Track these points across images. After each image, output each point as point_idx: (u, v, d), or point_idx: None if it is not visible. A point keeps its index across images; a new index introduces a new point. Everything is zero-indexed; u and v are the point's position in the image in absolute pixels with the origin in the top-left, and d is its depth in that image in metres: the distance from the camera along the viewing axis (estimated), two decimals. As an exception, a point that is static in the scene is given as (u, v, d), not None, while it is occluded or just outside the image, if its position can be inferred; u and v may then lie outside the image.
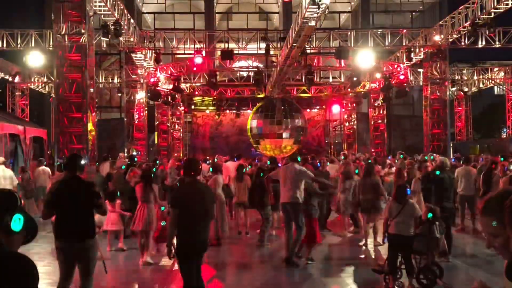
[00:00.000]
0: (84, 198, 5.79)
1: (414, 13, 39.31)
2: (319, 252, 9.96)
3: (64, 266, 5.80)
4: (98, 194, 6.06)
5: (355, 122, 33.44)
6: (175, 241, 5.81)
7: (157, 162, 17.35)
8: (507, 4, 19.01)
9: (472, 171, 12.53)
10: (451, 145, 31.96)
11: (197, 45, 24.91)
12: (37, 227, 2.48)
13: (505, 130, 36.64)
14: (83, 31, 17.63)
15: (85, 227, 5.77)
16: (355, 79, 23.97)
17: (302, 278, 8.48)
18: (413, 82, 29.97)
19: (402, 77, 24.28)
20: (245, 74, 29.20)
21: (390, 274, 7.43)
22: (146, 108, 26.97)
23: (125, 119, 27.74)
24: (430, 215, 7.49)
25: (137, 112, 26.54)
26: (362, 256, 10.18)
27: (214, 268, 8.90)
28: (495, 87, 38.14)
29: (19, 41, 23.41)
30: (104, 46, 24.23)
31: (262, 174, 11.62)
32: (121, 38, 21.71)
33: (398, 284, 7.49)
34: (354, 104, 32.14)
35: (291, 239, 9.24)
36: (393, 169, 13.74)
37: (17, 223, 2.33)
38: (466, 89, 34.81)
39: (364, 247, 10.64)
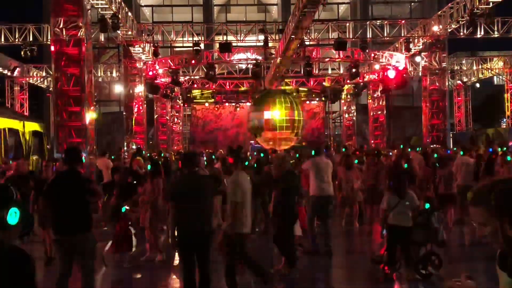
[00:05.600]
0: (79, 193, 5.79)
1: (413, 4, 39.20)
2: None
3: (61, 260, 5.81)
4: (93, 191, 6.05)
5: (355, 113, 33.43)
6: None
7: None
8: (505, -6, 18.97)
9: (470, 161, 12.51)
10: (451, 135, 31.96)
11: (196, 38, 24.85)
12: (33, 220, 2.50)
13: (504, 120, 36.63)
14: (80, 24, 17.60)
15: (81, 220, 5.76)
16: (354, 70, 23.92)
17: (300, 267, 8.47)
18: (412, 72, 29.92)
19: (401, 67, 24.25)
20: (243, 66, 29.15)
21: (389, 265, 7.46)
22: (145, 102, 26.94)
23: (124, 113, 27.72)
24: (427, 205, 7.50)
25: (136, 106, 26.50)
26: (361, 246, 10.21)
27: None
28: (495, 77, 38.11)
29: (17, 35, 23.35)
30: (102, 39, 24.19)
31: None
32: (119, 32, 21.67)
33: (397, 275, 7.52)
34: (353, 96, 32.12)
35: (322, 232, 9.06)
36: None
37: (13, 216, 2.35)
38: (465, 79, 34.79)
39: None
